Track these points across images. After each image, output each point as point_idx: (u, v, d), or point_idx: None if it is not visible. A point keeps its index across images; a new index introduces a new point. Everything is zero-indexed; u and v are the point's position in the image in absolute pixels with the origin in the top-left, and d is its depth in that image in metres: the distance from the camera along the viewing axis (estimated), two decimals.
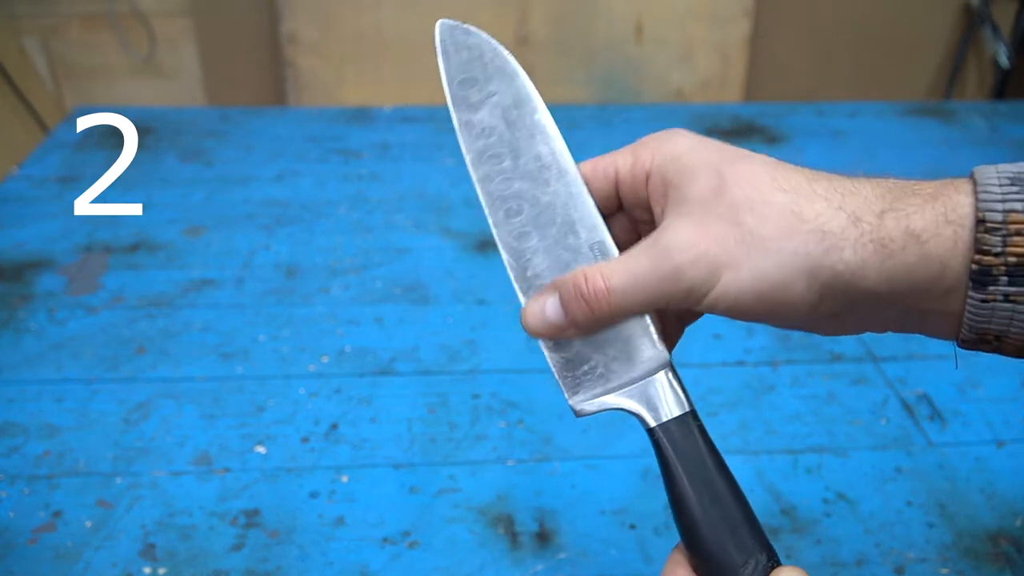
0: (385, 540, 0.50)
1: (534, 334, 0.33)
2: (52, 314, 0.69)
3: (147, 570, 0.48)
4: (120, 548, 0.49)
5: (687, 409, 0.32)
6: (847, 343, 0.67)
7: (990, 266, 0.27)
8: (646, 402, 0.33)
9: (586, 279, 0.31)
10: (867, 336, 0.68)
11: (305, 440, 0.58)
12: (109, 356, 0.65)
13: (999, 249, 0.27)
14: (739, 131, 1.04)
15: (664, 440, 0.32)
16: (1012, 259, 0.27)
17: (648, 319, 0.33)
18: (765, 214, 0.29)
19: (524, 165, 0.35)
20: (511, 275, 0.34)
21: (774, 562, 0.30)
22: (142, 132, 1.00)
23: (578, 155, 0.35)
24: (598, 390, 0.33)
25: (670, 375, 0.33)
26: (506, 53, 0.35)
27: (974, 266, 0.27)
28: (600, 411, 0.33)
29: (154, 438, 0.57)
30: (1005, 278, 0.27)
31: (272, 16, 1.67)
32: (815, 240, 0.29)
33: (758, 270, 0.29)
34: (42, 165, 0.92)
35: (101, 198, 0.86)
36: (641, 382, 0.33)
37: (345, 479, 0.55)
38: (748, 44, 1.72)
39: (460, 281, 0.75)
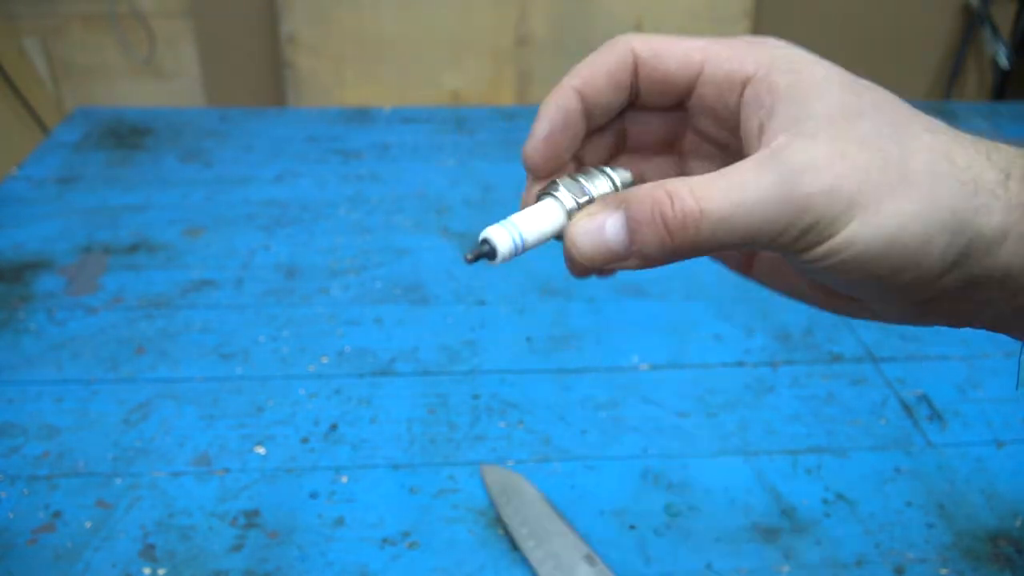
0: (385, 541, 0.50)
1: (582, 261, 0.27)
2: (51, 315, 0.69)
3: (147, 571, 0.48)
4: (120, 549, 0.49)
5: None
6: (847, 343, 0.67)
7: None
8: None
9: (671, 197, 0.24)
10: (867, 336, 0.68)
11: (305, 440, 0.58)
12: (109, 357, 0.65)
13: None
14: None
15: None
16: None
17: None
18: (912, 147, 0.24)
19: None
20: None
21: None
22: (142, 132, 1.00)
23: None
24: None
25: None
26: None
27: None
28: None
29: (154, 439, 0.57)
30: None
31: (272, 17, 1.67)
32: (968, 193, 0.24)
33: (902, 215, 0.24)
34: (42, 165, 0.92)
35: (100, 199, 0.86)
36: None
37: (345, 479, 0.55)
38: None
39: (460, 281, 0.75)
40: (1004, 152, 0.25)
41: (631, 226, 0.26)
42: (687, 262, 0.27)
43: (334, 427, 0.59)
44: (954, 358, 0.66)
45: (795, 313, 0.71)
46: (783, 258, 0.27)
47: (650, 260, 0.26)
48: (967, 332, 0.73)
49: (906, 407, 0.61)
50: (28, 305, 0.70)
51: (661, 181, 0.26)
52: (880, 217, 0.24)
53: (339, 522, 0.52)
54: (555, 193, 0.29)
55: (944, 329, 0.70)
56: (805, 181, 0.23)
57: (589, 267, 0.28)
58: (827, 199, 0.23)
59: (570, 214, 0.29)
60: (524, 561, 0.49)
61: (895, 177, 0.24)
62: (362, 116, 1.07)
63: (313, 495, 0.53)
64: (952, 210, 0.24)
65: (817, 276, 0.26)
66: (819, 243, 0.24)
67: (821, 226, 0.24)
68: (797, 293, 0.31)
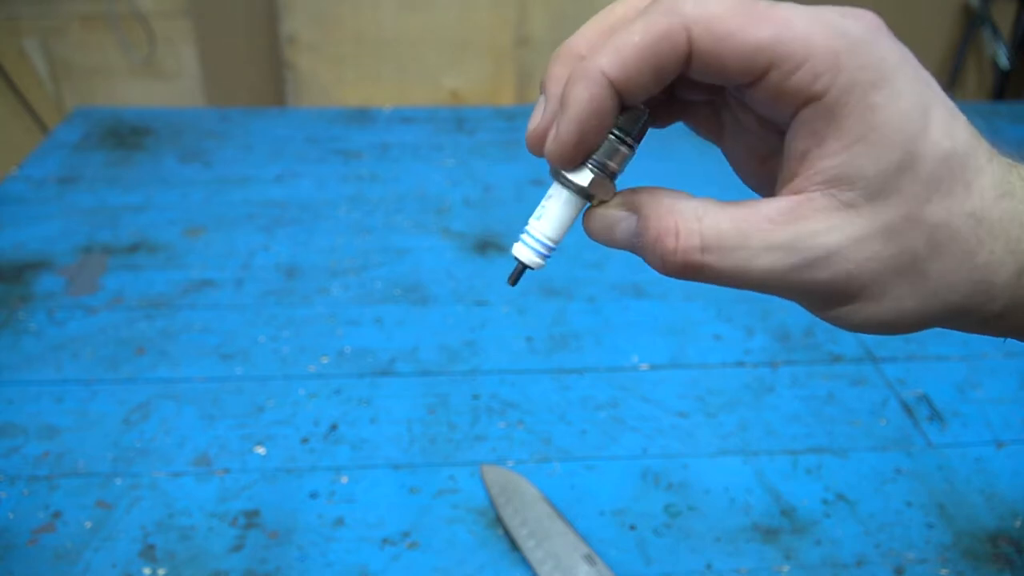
0: (385, 541, 0.50)
1: (593, 239, 0.27)
2: (52, 315, 0.69)
3: (147, 571, 0.48)
4: (120, 549, 0.49)
5: None
6: (847, 344, 0.67)
7: None
8: None
9: (678, 233, 0.24)
10: (867, 337, 0.68)
11: (305, 441, 0.58)
12: (109, 357, 0.65)
13: None
14: None
15: None
16: None
17: None
18: (940, 247, 0.23)
19: None
20: None
21: None
22: (142, 132, 1.00)
23: None
24: None
25: None
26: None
27: None
28: None
29: (154, 439, 0.57)
30: None
31: (271, 17, 1.67)
32: (976, 292, 0.24)
33: (901, 310, 0.24)
34: (42, 165, 0.92)
35: (100, 199, 0.86)
36: None
37: (345, 480, 0.55)
38: None
39: (460, 281, 0.75)
40: None
41: (637, 241, 0.25)
42: None
43: (334, 427, 0.59)
44: (954, 358, 0.66)
45: (795, 313, 0.71)
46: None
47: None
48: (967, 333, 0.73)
49: (906, 407, 0.61)
50: (28, 305, 0.70)
51: (675, 205, 0.24)
52: (880, 308, 0.24)
53: (339, 522, 0.52)
54: (562, 180, 0.28)
55: (944, 329, 0.71)
56: (819, 267, 0.23)
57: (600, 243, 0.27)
58: (833, 288, 0.24)
59: (581, 192, 0.28)
60: (524, 561, 0.49)
61: (908, 276, 0.24)
62: (362, 116, 1.07)
63: (313, 495, 0.53)
64: (954, 309, 0.24)
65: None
66: (814, 310, 0.26)
67: (821, 302, 0.25)
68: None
